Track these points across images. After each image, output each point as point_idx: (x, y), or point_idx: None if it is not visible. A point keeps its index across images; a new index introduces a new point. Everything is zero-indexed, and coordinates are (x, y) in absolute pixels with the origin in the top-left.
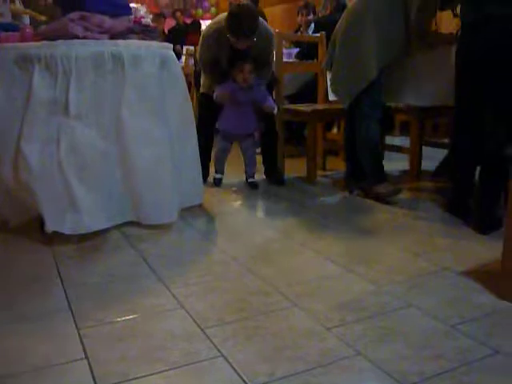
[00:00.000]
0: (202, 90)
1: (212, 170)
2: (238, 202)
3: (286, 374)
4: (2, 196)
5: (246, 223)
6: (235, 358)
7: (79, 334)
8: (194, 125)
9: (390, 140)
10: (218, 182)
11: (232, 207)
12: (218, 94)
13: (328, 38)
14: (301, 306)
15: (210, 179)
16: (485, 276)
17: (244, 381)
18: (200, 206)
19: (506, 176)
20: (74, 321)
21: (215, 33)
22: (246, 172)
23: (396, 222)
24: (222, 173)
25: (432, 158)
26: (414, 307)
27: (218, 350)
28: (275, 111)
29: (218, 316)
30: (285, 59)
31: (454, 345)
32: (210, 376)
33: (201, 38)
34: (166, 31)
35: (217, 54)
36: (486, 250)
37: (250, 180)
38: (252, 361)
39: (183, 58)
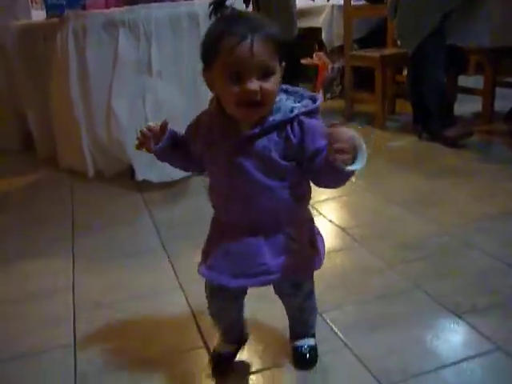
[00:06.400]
0: None
1: None
2: None
3: (353, 302)
4: (98, 151)
5: None
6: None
7: (174, 269)
8: None
9: (463, 80)
10: (220, 361)
11: None
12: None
13: None
14: (366, 247)
15: None
16: None
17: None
18: None
19: None
20: (168, 258)
21: None
22: (291, 329)
23: (463, 166)
24: (236, 341)
25: (508, 99)
26: (473, 247)
27: None
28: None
29: None
30: (353, 2)
31: (508, 282)
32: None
33: None
34: None
35: None
36: None
37: (299, 344)
38: (322, 292)
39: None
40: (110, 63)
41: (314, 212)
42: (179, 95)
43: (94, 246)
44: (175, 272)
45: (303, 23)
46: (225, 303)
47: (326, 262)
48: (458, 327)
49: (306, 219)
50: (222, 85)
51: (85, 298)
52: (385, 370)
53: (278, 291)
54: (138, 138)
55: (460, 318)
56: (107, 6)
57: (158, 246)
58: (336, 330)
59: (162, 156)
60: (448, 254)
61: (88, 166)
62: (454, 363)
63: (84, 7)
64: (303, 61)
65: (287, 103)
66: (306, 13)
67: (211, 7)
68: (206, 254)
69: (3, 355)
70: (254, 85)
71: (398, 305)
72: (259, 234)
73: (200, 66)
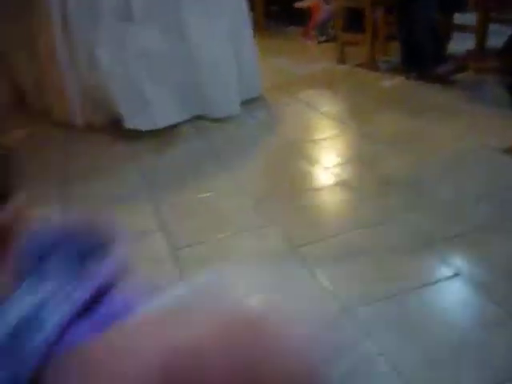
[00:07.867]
0: None
1: None
2: (295, 94)
3: (326, 237)
4: (81, 98)
5: (300, 111)
6: (281, 226)
7: (156, 211)
8: (250, 22)
9: (460, 18)
10: None
11: (289, 98)
12: None
13: None
14: (346, 184)
15: None
16: None
17: (291, 245)
18: (258, 97)
19: None
20: (154, 199)
21: None
22: None
23: (448, 105)
24: None
25: (503, 35)
26: (447, 179)
27: (266, 221)
28: None
29: (269, 193)
30: None
31: (477, 212)
32: (262, 240)
33: None
34: None
35: None
36: None
37: None
38: (299, 228)
39: None
40: (91, 9)
41: (298, 155)
42: (163, 40)
43: (84, 194)
44: (157, 214)
45: None
46: None
47: (307, 201)
48: (424, 255)
49: None
50: None
51: None
52: (348, 294)
53: None
54: None
55: (428, 246)
56: None
57: (145, 189)
58: (307, 262)
59: None
60: (423, 188)
61: (77, 116)
62: (416, 288)
63: None
64: (296, 4)
65: (20, 299)
66: None
67: None
68: None
69: None
70: None
71: (369, 236)
72: None
73: (184, 10)
